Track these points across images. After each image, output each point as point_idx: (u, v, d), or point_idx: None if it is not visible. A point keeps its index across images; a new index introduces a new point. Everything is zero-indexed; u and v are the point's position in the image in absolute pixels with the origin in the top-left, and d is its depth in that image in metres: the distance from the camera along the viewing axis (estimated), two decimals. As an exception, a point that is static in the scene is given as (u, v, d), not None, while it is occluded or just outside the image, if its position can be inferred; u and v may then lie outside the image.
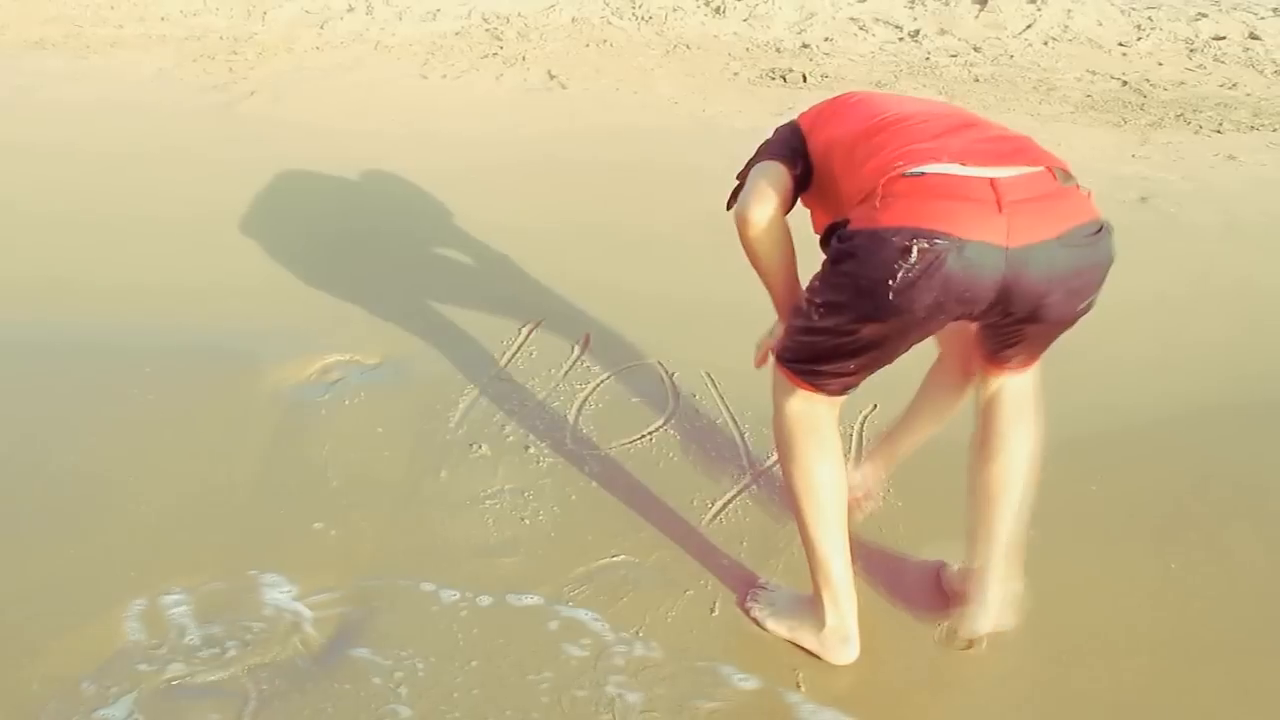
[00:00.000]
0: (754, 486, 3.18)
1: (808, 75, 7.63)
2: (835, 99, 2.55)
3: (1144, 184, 5.49)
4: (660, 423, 3.50)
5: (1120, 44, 8.49)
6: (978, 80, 7.64)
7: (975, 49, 8.42)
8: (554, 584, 2.78)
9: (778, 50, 8.41)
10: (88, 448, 3.33)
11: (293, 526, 2.98)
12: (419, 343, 3.94)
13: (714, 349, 3.89)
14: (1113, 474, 3.21)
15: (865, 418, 3.49)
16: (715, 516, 3.05)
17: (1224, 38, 8.51)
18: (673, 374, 3.76)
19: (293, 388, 3.66)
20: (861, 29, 8.88)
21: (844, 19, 9.10)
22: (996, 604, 2.47)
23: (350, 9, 9.45)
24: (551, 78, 7.58)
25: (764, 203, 2.37)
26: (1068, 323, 2.20)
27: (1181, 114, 6.86)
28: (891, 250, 1.99)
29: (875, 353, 2.21)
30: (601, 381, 3.72)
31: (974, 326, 2.35)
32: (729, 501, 3.11)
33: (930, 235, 1.96)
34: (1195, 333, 4.05)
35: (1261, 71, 7.82)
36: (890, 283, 2.00)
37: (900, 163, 2.06)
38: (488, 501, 3.10)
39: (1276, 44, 8.35)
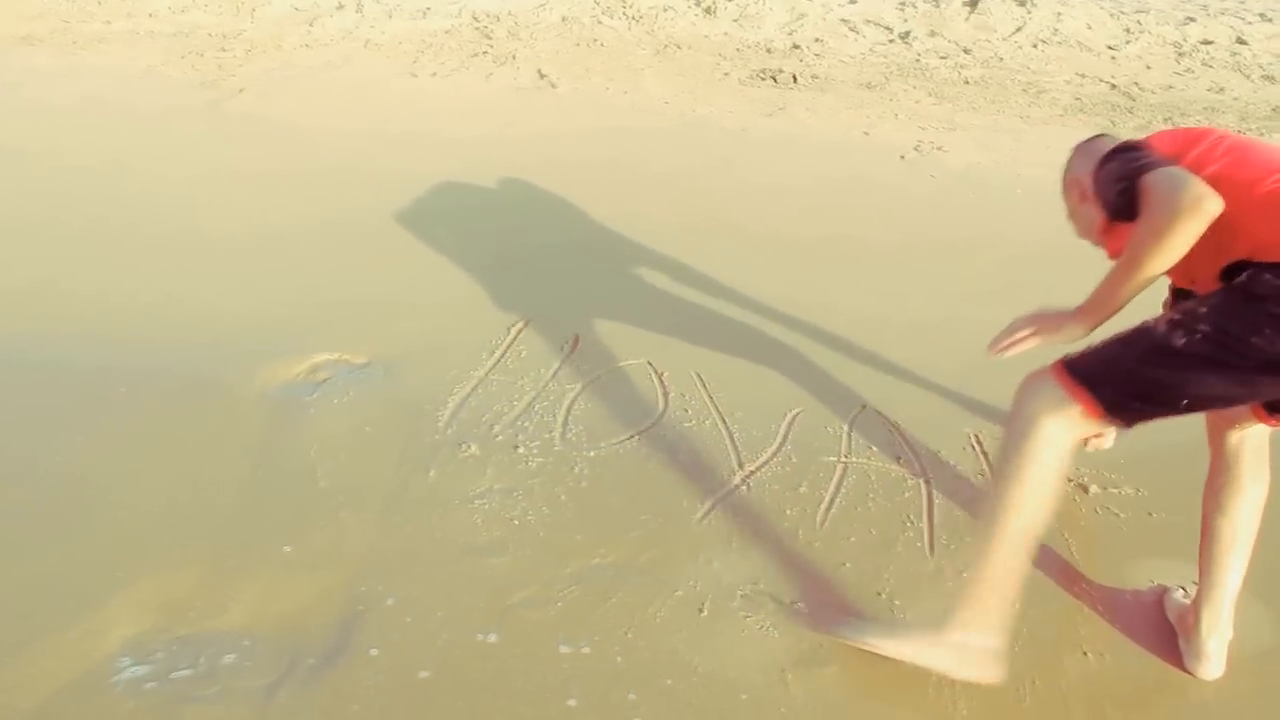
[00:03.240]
0: (743, 487, 3.18)
1: (798, 76, 7.64)
2: (1194, 134, 2.39)
3: (1132, 187, 5.51)
4: (650, 423, 3.49)
5: (1109, 47, 8.53)
6: (968, 83, 7.66)
7: (965, 51, 8.45)
8: (542, 584, 2.77)
9: (768, 51, 8.42)
10: (74, 449, 3.31)
11: (279, 528, 2.97)
12: (407, 342, 3.93)
13: (704, 349, 3.90)
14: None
15: (854, 418, 3.50)
16: (705, 517, 3.04)
17: (1212, 42, 8.55)
18: (662, 374, 3.76)
19: (280, 387, 3.65)
20: (852, 30, 8.90)
21: (834, 20, 9.12)
22: (1218, 652, 2.50)
23: (340, 6, 9.44)
24: (542, 77, 7.58)
25: (1216, 198, 2.11)
26: None
27: (1169, 117, 6.89)
28: None
29: (1240, 391, 2.13)
30: (591, 381, 3.72)
31: None
32: (718, 502, 3.10)
33: None
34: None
35: (1248, 76, 7.86)
36: None
37: None
38: (477, 501, 3.09)
39: (1263, 48, 8.39)
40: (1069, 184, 2.63)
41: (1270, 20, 8.95)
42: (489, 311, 4.17)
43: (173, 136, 6.29)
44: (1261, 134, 6.54)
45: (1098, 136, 2.60)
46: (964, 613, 2.39)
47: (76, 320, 4.10)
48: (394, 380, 3.71)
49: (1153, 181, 2.19)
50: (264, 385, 3.65)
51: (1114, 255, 2.42)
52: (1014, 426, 2.31)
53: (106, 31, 8.78)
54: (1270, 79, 7.81)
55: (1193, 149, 2.31)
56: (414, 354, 3.86)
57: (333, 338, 3.94)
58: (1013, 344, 2.51)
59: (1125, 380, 2.18)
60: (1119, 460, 3.31)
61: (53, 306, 4.21)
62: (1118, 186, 2.27)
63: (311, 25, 8.95)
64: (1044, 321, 2.46)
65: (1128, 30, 8.80)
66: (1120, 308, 2.30)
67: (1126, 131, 6.52)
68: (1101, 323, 2.32)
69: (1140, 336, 2.19)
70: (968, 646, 2.39)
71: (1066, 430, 2.24)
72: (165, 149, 6.06)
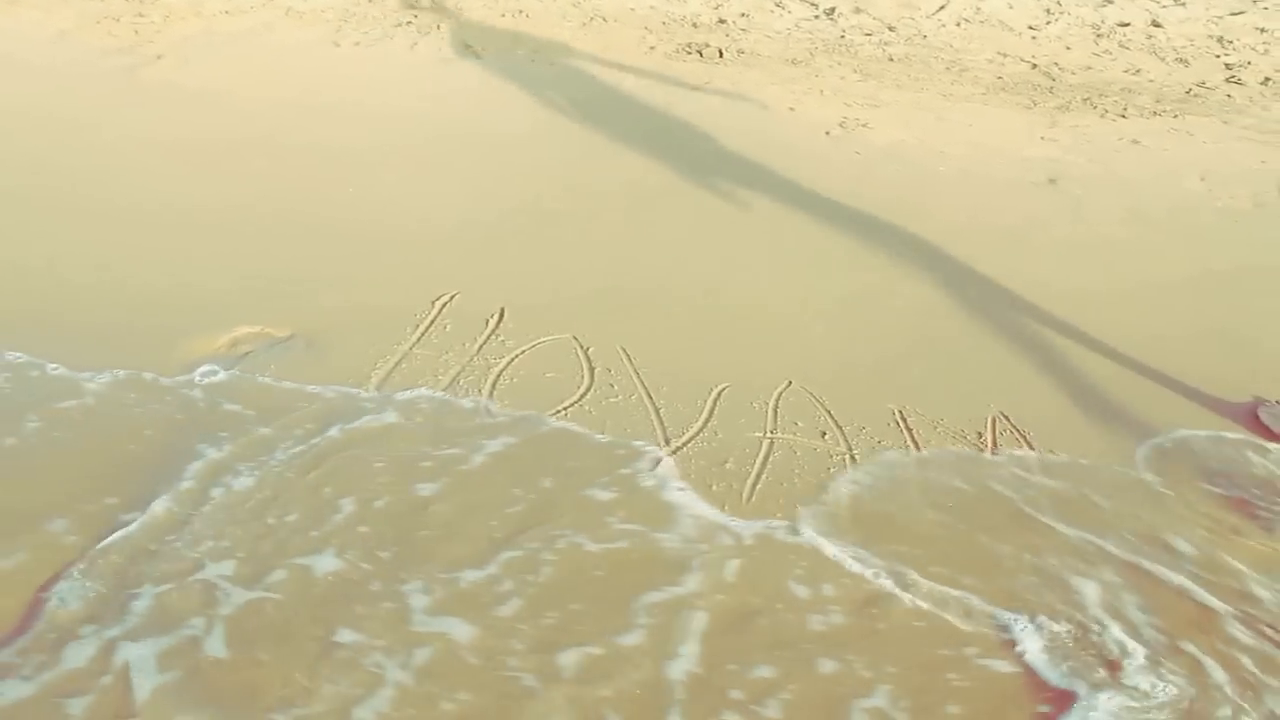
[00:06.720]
0: (669, 460, 3.19)
1: (724, 51, 7.64)
2: None
3: (1052, 166, 5.60)
4: (576, 397, 3.49)
5: (1030, 27, 8.65)
6: (892, 60, 7.73)
7: (890, 28, 8.51)
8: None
9: (694, 25, 8.41)
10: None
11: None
12: (331, 315, 3.89)
13: (630, 323, 3.90)
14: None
15: (780, 394, 3.52)
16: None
17: (1128, 25, 8.71)
18: (588, 349, 3.76)
19: (201, 360, 3.59)
20: (778, 6, 8.92)
21: (761, -5, 9.13)
22: None
23: (260, -28, 9.22)
24: (467, 48, 7.50)
25: None
26: None
27: (1088, 98, 7.01)
28: None
29: None
30: (517, 356, 3.71)
31: None
32: (644, 478, 3.12)
33: None
34: (1114, 326, 4.11)
35: (1163, 59, 8.02)
36: None
37: None
38: (402, 477, 3.08)
39: (1177, 32, 8.57)
40: None
41: (1184, 4, 9.14)
42: (413, 285, 4.12)
43: (87, 103, 6.11)
44: (1176, 116, 6.69)
45: None
46: None
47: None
48: (317, 354, 3.66)
49: None
50: (185, 358, 3.59)
51: None
52: None
53: (16, -7, 8.50)
54: (1184, 62, 7.98)
55: None
56: (337, 327, 3.82)
57: (254, 310, 3.88)
58: None
59: None
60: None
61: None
62: None
63: (231, -9, 8.74)
64: None
65: (1048, 11, 8.93)
66: None
67: (1047, 112, 6.63)
68: None
69: None
70: None
71: None
72: (79, 116, 5.89)
